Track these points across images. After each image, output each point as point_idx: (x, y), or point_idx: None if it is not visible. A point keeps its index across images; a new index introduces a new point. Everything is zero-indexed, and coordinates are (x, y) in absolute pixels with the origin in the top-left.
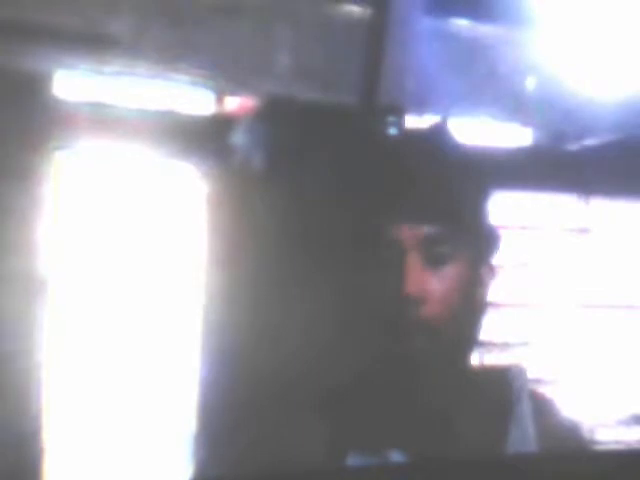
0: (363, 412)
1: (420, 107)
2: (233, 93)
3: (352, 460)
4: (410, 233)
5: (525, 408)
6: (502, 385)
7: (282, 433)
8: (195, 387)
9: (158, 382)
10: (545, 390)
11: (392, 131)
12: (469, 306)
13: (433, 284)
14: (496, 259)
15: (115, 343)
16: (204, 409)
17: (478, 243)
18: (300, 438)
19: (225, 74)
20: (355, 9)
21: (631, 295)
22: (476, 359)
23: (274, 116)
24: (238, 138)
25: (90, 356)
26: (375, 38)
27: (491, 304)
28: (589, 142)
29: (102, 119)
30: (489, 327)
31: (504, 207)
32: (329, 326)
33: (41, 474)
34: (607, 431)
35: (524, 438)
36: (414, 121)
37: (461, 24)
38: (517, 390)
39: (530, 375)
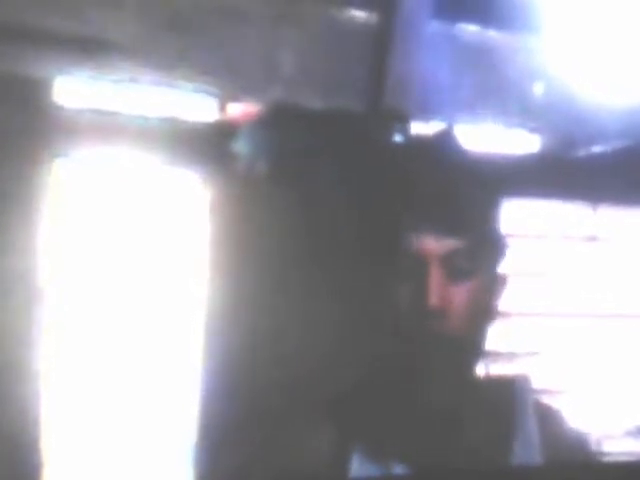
0: (369, 419)
1: (426, 113)
2: (236, 99)
3: (357, 468)
4: (432, 245)
5: (529, 418)
6: (507, 395)
7: (287, 440)
8: (197, 394)
9: (159, 388)
10: (551, 400)
11: (398, 137)
12: (483, 317)
13: (454, 297)
14: (504, 268)
15: (115, 349)
16: (206, 416)
17: (492, 253)
18: (305, 445)
19: (228, 80)
20: (361, 14)
21: (638, 304)
22: (482, 369)
23: (278, 122)
24: (241, 145)
25: (90, 362)
26: (381, 43)
27: (498, 313)
28: (598, 148)
29: (103, 126)
30: (496, 336)
31: (510, 215)
32: (338, 333)
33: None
34: (613, 442)
35: (528, 448)
36: (420, 127)
37: (468, 29)
38: (521, 400)
39: (536, 385)
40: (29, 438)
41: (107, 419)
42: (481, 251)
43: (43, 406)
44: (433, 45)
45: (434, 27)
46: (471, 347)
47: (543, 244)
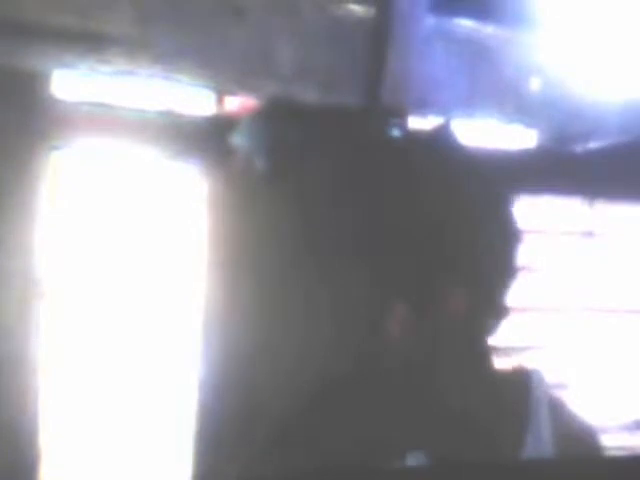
0: (381, 411)
1: (423, 108)
2: (234, 93)
3: (370, 460)
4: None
5: (543, 412)
6: (521, 388)
7: (295, 435)
8: (196, 390)
9: (158, 383)
10: (560, 393)
11: (395, 133)
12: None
13: None
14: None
15: (114, 344)
16: (206, 413)
17: (505, 247)
18: (314, 439)
19: (226, 74)
20: (358, 9)
21: (634, 299)
22: (496, 361)
23: (276, 117)
24: (239, 139)
25: (89, 357)
26: (378, 38)
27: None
28: (594, 144)
29: (101, 119)
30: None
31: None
32: (344, 326)
33: (39, 475)
34: (612, 436)
35: (541, 442)
36: (417, 122)
37: (465, 25)
38: (536, 393)
39: (547, 378)
40: (27, 431)
41: (105, 413)
42: (493, 245)
43: (41, 400)
44: (430, 40)
45: (431, 22)
46: (486, 339)
47: (540, 239)
